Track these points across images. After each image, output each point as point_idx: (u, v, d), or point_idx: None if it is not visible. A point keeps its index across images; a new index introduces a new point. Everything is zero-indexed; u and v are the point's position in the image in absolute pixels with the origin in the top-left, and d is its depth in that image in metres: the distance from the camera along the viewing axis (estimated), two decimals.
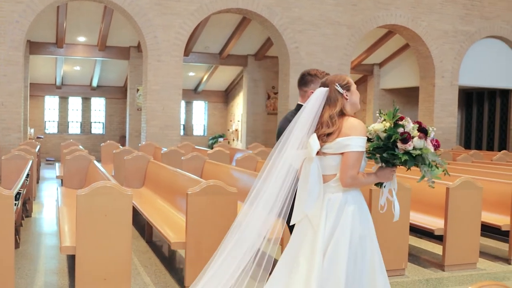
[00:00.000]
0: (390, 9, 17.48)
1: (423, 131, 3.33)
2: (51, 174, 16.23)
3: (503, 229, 7.01)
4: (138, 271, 6.31)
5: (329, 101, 3.48)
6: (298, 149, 3.46)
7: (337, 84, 3.50)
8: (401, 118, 3.39)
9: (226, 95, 27.22)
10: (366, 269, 3.35)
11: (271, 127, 21.39)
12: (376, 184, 3.55)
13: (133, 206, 6.47)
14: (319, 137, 3.41)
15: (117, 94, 24.73)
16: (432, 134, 3.39)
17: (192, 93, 26.37)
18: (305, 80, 4.19)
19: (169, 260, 6.94)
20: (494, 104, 21.56)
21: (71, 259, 6.17)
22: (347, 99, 3.50)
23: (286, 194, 3.49)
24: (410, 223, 6.45)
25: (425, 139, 3.33)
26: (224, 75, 24.75)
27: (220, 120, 27.37)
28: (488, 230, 7.67)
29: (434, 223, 6.77)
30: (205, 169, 9.73)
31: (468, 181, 6.57)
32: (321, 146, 3.40)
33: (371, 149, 3.42)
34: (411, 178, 6.41)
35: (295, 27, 16.40)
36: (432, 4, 18.12)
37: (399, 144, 3.30)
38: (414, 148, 3.29)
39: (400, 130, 3.32)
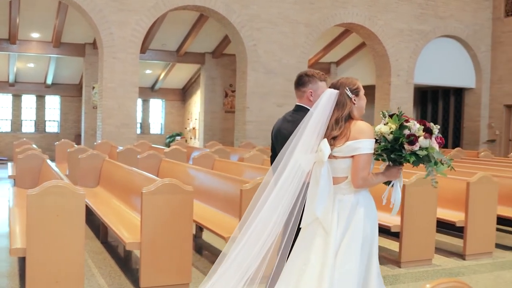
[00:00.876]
0: (347, 7, 17.59)
1: (428, 131, 3.44)
2: (3, 174, 15.81)
3: (457, 225, 7.11)
4: (92, 272, 6.17)
5: (338, 105, 3.55)
6: (307, 152, 3.51)
7: (347, 88, 3.58)
8: (407, 120, 3.48)
9: (184, 93, 27.03)
10: (372, 268, 3.48)
11: (228, 125, 21.31)
12: (385, 183, 3.65)
13: (87, 206, 6.33)
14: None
15: (72, 92, 24.27)
16: (436, 132, 3.49)
17: (149, 91, 26.10)
18: (303, 81, 4.18)
19: (125, 261, 6.80)
20: (448, 102, 21.95)
21: (22, 261, 5.98)
22: (355, 103, 3.58)
23: (296, 198, 3.53)
24: None
25: (430, 138, 3.44)
26: (182, 73, 24.56)
27: (178, 118, 27.17)
28: (443, 226, 7.76)
29: (390, 220, 6.82)
30: (162, 167, 9.60)
31: (420, 179, 6.62)
32: (331, 149, 3.48)
33: (379, 151, 3.51)
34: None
35: (253, 25, 16.36)
36: (388, 3, 18.31)
37: (406, 146, 3.41)
38: (420, 148, 3.40)
39: (406, 132, 3.42)
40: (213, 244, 7.62)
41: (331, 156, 3.48)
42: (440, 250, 7.53)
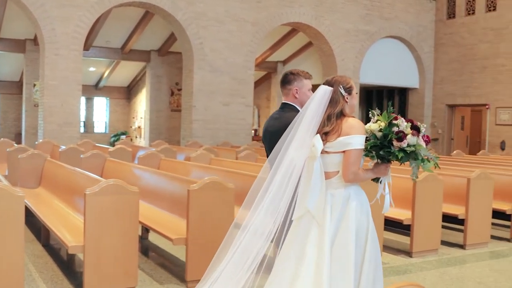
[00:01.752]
0: (294, 6, 17.63)
1: (416, 129, 3.57)
2: None
3: (404, 223, 7.17)
4: (33, 277, 5.92)
5: (332, 102, 3.68)
6: (302, 147, 3.64)
7: (341, 86, 3.70)
8: (395, 118, 3.60)
9: (129, 91, 26.62)
10: (368, 256, 3.56)
11: (174, 124, 21.06)
12: (373, 179, 3.77)
13: (27, 208, 6.08)
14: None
15: (12, 89, 23.53)
16: (423, 131, 3.62)
17: (93, 89, 25.59)
18: (289, 79, 4.26)
19: (67, 265, 6.57)
20: (392, 102, 22.30)
21: None
22: (347, 101, 3.70)
23: (292, 194, 3.65)
24: None
25: (418, 136, 3.57)
26: (126, 70, 24.15)
27: (122, 117, 26.75)
28: (390, 224, 7.82)
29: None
30: (106, 167, 9.35)
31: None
32: (323, 145, 3.60)
33: (368, 147, 3.62)
34: None
35: (199, 23, 16.19)
36: (334, 4, 18.45)
37: (395, 142, 3.53)
38: (408, 145, 3.53)
39: (395, 129, 3.55)
40: (160, 245, 7.45)
41: (323, 152, 3.59)
42: (388, 248, 7.59)
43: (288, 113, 4.13)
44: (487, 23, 19.29)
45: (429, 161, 3.63)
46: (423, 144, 3.59)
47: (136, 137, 25.13)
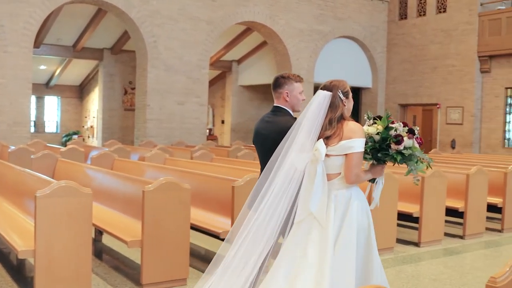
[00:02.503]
0: (248, 6, 17.60)
1: (411, 132, 3.71)
2: None
3: None
4: None
5: (332, 106, 3.78)
6: (302, 151, 3.74)
7: (339, 90, 3.82)
8: (393, 122, 3.75)
9: (81, 90, 26.14)
10: (369, 254, 3.72)
11: (128, 124, 20.78)
12: (370, 180, 3.92)
13: None
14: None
15: None
16: (416, 133, 3.77)
17: (44, 87, 25.04)
18: (279, 83, 4.29)
19: (18, 270, 6.35)
20: None
21: None
22: (345, 105, 3.82)
23: (293, 197, 3.76)
24: None
25: (413, 139, 3.73)
26: (78, 69, 23.70)
27: (74, 116, 26.25)
28: None
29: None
30: (58, 168, 9.12)
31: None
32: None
33: (368, 150, 3.74)
34: None
35: (153, 21, 15.99)
36: (288, 3, 18.50)
37: (392, 145, 3.68)
38: (405, 148, 3.68)
39: (392, 132, 3.69)
40: (114, 248, 7.29)
41: (323, 157, 3.70)
42: None
43: (281, 117, 4.17)
44: (438, 24, 19.67)
45: (422, 163, 3.78)
46: (418, 146, 3.76)
47: (88, 137, 24.69)
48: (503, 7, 18.54)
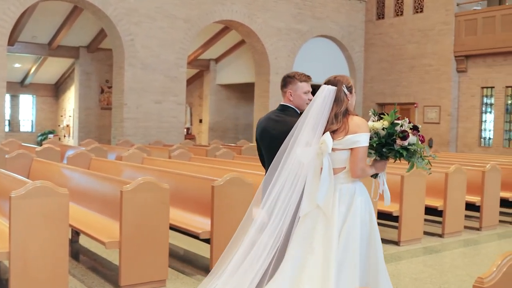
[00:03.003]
0: (226, 4, 17.51)
1: (416, 128, 3.81)
2: None
3: None
4: None
5: (337, 101, 3.84)
6: (306, 146, 3.80)
7: (344, 85, 3.87)
8: (398, 118, 3.84)
9: (56, 89, 25.81)
10: (371, 248, 3.78)
11: (105, 123, 20.56)
12: (372, 175, 4.00)
13: None
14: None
15: None
16: (420, 131, 3.87)
17: (19, 86, 24.67)
18: (285, 82, 4.35)
19: None
20: None
21: None
22: (349, 100, 3.88)
23: (299, 193, 3.81)
24: None
25: (418, 135, 3.82)
26: (54, 67, 23.37)
27: (50, 115, 25.90)
28: None
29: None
30: (33, 168, 8.95)
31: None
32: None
33: (374, 145, 3.82)
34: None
35: (130, 19, 15.82)
36: (266, 2, 18.45)
37: (398, 141, 3.76)
38: (409, 144, 3.78)
39: (398, 128, 3.78)
40: (91, 249, 7.16)
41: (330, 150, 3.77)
42: None
43: (290, 116, 4.20)
44: (415, 24, 19.78)
45: (423, 159, 3.87)
46: (420, 143, 3.85)
47: (64, 136, 24.39)
48: (479, 8, 18.71)
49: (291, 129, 3.92)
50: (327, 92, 3.85)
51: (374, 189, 4.07)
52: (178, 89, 16.92)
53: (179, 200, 6.66)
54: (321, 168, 3.77)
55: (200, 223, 6.19)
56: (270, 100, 18.69)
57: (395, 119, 3.82)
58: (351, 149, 3.75)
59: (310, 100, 4.14)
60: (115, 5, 15.47)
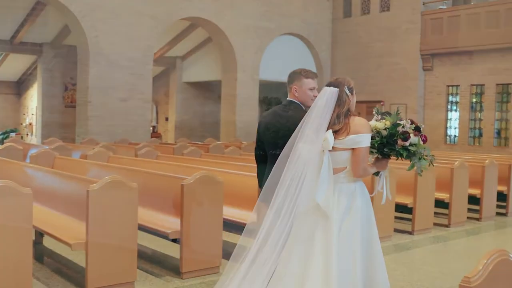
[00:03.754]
0: (193, 1, 17.33)
1: (418, 129, 3.87)
2: None
3: None
4: None
5: (339, 101, 3.89)
6: (308, 145, 3.86)
7: (345, 86, 3.94)
8: (401, 119, 3.91)
9: (18, 86, 25.28)
10: (371, 247, 3.87)
11: (69, 121, 20.15)
12: (375, 173, 4.06)
13: None
14: None
15: None
16: (422, 131, 3.92)
17: None
18: (291, 78, 4.42)
19: None
20: None
21: None
22: (350, 101, 3.94)
23: (304, 189, 3.85)
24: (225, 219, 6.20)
25: (420, 136, 3.87)
26: (16, 64, 22.88)
27: (12, 113, 25.36)
28: None
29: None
30: None
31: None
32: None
33: (376, 145, 3.88)
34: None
35: (95, 15, 15.51)
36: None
37: (399, 141, 3.83)
38: (410, 144, 3.84)
39: (400, 129, 3.84)
40: (56, 250, 6.92)
41: (331, 148, 3.83)
42: None
43: (295, 113, 4.24)
44: (382, 22, 19.89)
45: (425, 160, 3.92)
46: (422, 143, 3.90)
47: (27, 134, 23.90)
48: (445, 7, 18.90)
49: (295, 124, 3.99)
50: (329, 94, 3.92)
51: (376, 186, 4.19)
52: (144, 86, 16.69)
53: (148, 200, 6.50)
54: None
55: (169, 222, 6.04)
56: (237, 97, 18.58)
57: (398, 120, 3.89)
58: (353, 149, 3.82)
59: (315, 96, 4.19)
60: (79, 1, 15.16)
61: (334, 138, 3.82)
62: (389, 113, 3.96)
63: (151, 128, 20.01)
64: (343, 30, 21.07)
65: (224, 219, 6.09)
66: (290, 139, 3.97)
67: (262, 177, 4.38)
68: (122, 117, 16.22)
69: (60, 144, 11.92)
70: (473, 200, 9.77)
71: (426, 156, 3.95)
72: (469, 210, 9.75)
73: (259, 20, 19.08)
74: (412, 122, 3.90)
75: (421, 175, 4.18)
